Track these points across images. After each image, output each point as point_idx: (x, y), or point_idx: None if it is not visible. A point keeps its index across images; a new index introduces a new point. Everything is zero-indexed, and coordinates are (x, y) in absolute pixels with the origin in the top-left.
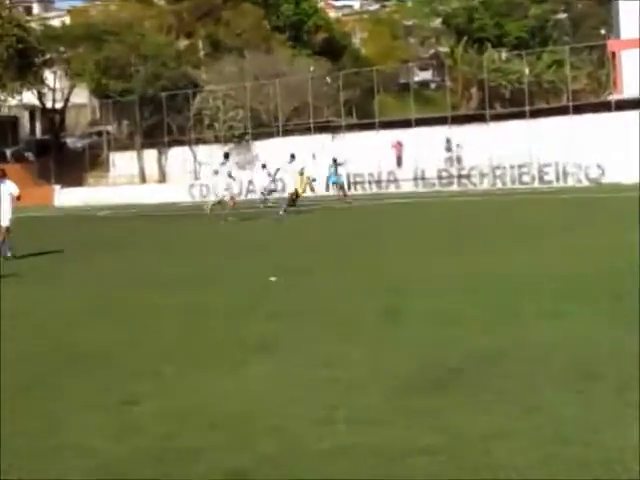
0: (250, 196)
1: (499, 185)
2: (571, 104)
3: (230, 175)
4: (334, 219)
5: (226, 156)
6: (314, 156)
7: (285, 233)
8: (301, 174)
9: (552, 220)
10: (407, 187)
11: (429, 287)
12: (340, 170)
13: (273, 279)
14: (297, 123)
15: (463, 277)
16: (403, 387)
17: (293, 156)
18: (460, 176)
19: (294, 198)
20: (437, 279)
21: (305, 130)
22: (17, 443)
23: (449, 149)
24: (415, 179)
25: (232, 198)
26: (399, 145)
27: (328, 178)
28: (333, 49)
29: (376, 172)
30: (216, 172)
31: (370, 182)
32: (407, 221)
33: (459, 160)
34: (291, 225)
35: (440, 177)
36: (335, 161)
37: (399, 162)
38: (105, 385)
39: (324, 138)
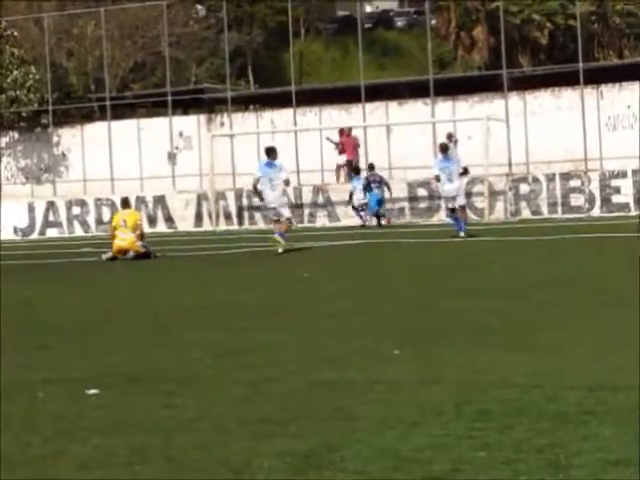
0: None
1: (526, 214)
2: None
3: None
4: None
5: (357, 171)
6: (172, 156)
7: None
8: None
9: None
10: (346, 216)
11: None
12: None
13: None
14: (140, 94)
15: None
16: None
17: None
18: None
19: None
20: None
21: (156, 107)
22: None
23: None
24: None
25: (288, 220)
26: (349, 138)
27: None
28: None
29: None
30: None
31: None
32: None
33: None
34: None
35: (414, 198)
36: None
37: (350, 170)
38: None
39: (192, 123)
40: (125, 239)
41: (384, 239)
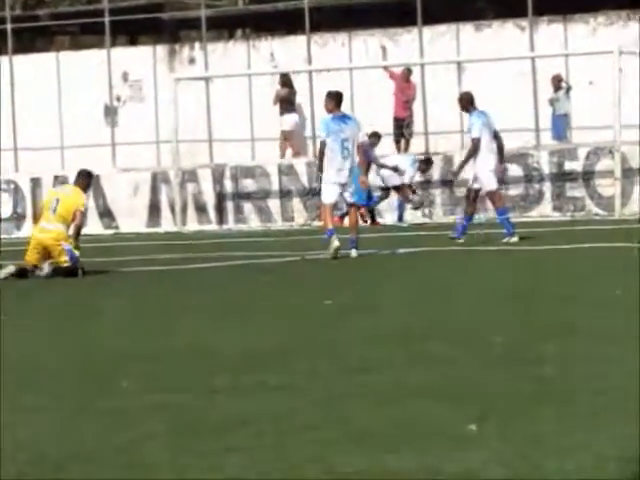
0: None
1: None
2: None
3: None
4: None
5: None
6: (111, 112)
7: None
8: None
9: None
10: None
11: None
12: None
13: None
14: (60, 13)
15: None
16: None
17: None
18: (566, 176)
19: None
20: None
21: (86, 32)
22: None
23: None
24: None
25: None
26: (404, 78)
27: None
28: None
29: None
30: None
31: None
32: None
33: (559, 124)
34: None
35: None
36: None
37: (402, 129)
38: None
39: (144, 58)
40: (49, 232)
41: (449, 246)
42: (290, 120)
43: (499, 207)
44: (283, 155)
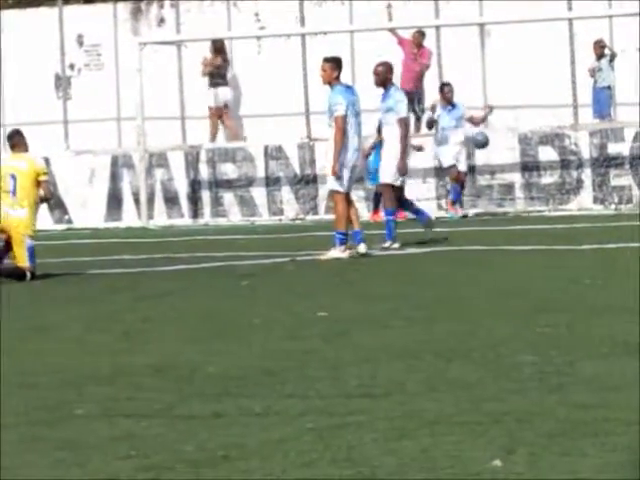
0: None
1: None
2: None
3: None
4: None
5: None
6: (62, 82)
7: None
8: None
9: None
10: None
11: None
12: None
13: None
14: None
15: None
16: None
17: None
18: (609, 161)
19: None
20: None
21: None
22: None
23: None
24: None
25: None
26: (416, 43)
27: None
28: None
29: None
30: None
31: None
32: None
33: (602, 98)
34: None
35: (532, 165)
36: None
37: (413, 104)
38: None
39: (103, 18)
40: (14, 219)
41: (473, 245)
42: (222, 95)
43: (388, 206)
44: (214, 138)
